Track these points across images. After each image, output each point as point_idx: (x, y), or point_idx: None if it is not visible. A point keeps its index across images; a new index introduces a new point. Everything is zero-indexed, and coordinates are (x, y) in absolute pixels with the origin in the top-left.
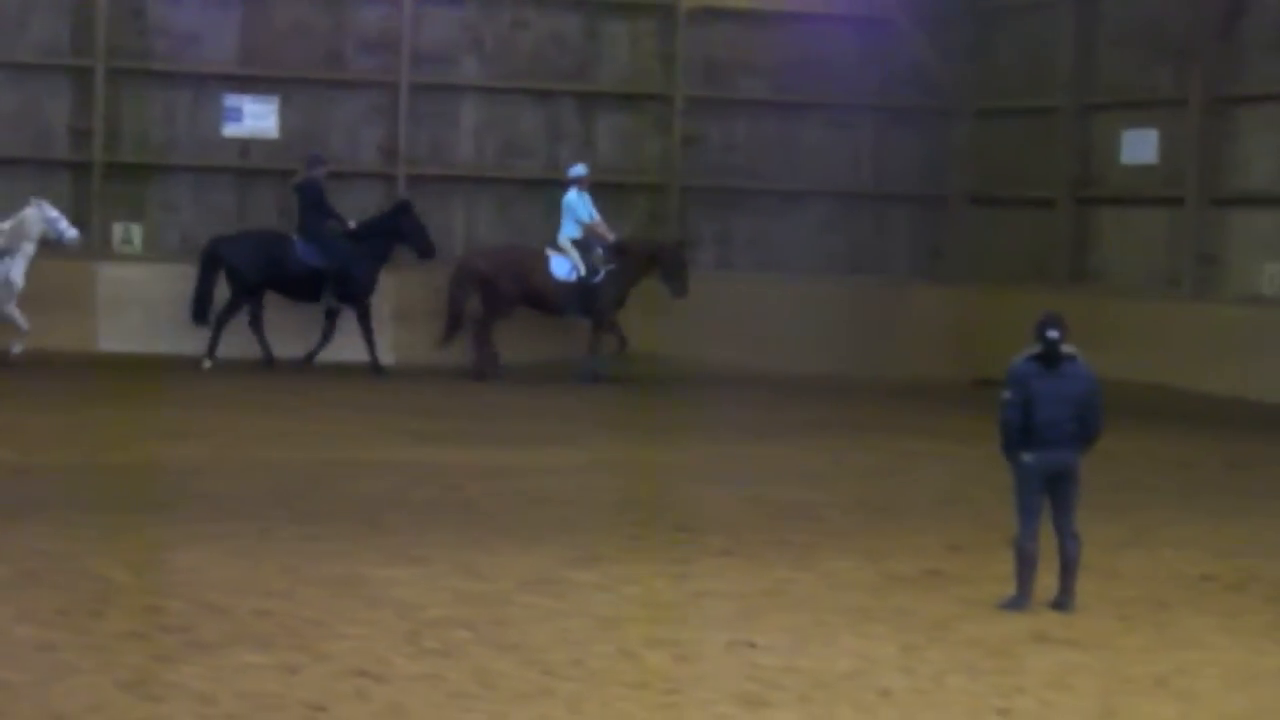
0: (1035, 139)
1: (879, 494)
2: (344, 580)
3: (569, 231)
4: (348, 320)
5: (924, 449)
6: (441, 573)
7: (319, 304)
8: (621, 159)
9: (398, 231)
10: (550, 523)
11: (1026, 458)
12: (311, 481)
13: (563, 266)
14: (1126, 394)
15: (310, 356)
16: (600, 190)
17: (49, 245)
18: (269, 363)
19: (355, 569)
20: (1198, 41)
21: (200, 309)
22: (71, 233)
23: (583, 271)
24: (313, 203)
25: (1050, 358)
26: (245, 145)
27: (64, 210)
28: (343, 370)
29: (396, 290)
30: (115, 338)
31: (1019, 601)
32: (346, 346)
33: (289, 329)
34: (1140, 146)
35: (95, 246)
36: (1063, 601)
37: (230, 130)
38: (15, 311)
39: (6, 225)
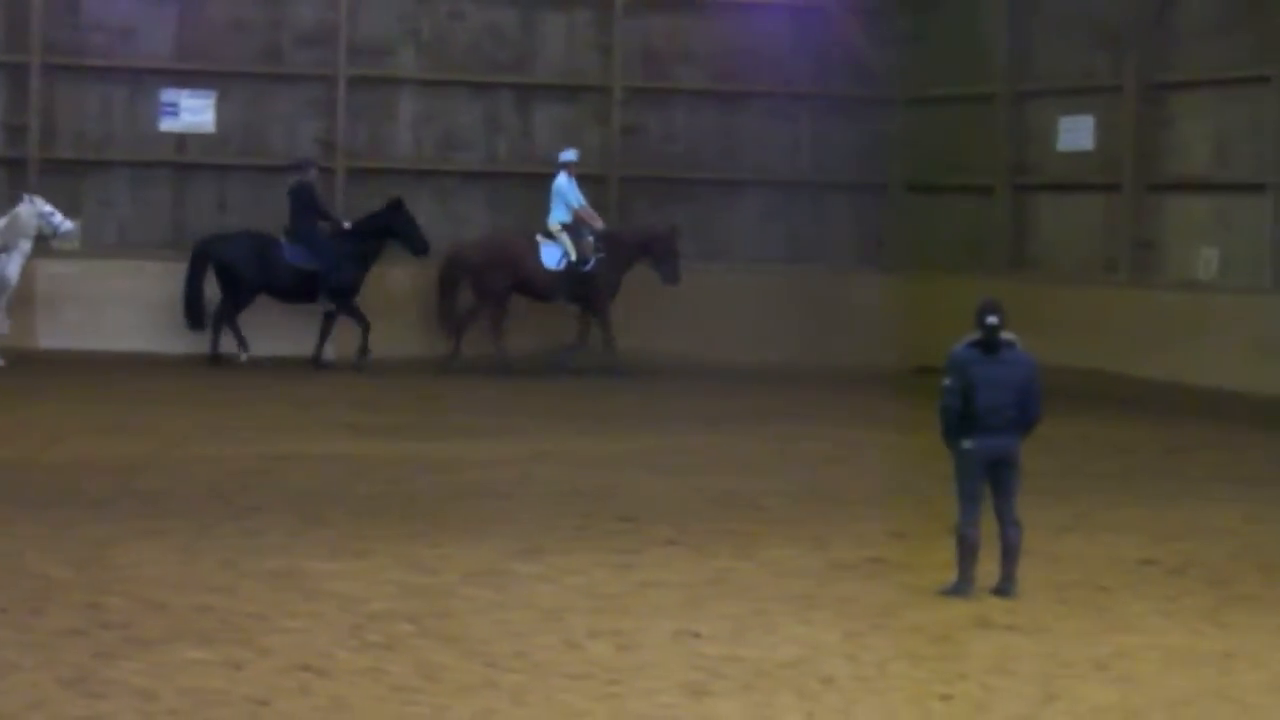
0: (972, 126)
1: (822, 482)
2: (285, 575)
3: (559, 216)
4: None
5: (866, 437)
6: (384, 566)
7: (311, 305)
8: (561, 151)
9: (390, 229)
10: (493, 515)
11: (967, 444)
12: (252, 476)
13: (553, 254)
14: (1065, 379)
15: (318, 359)
16: (539, 182)
17: (44, 239)
18: (215, 359)
19: (296, 563)
20: (1133, 28)
21: (193, 312)
22: (67, 225)
23: (573, 258)
24: (304, 205)
25: (990, 344)
26: (182, 140)
27: None
28: (283, 364)
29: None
30: (54, 334)
31: (961, 588)
32: (286, 341)
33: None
34: (1077, 133)
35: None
36: (1004, 587)
37: (167, 125)
38: (1, 312)
39: (1, 223)
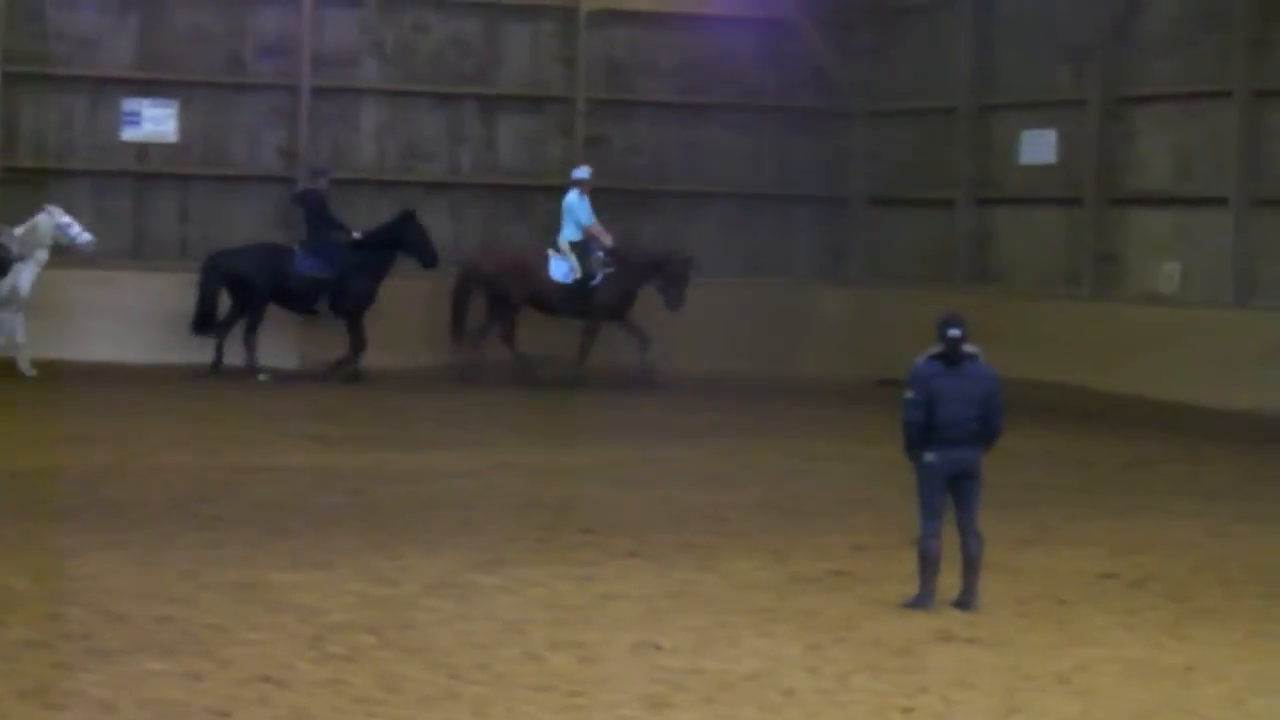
0: (934, 140)
1: (783, 495)
2: (246, 586)
3: (569, 234)
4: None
5: (828, 450)
6: (345, 577)
7: (316, 314)
8: (524, 162)
9: (400, 241)
10: (455, 526)
11: (929, 457)
12: (213, 487)
13: (561, 268)
14: (1027, 393)
15: (347, 369)
16: (502, 193)
17: (61, 250)
18: (217, 368)
19: (257, 574)
20: (1095, 42)
21: (203, 322)
22: (85, 237)
23: (579, 274)
24: (316, 213)
25: (952, 357)
26: (144, 149)
27: None
28: (240, 375)
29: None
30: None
31: (922, 600)
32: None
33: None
34: (1039, 147)
35: None
36: (965, 600)
37: (129, 134)
38: (18, 322)
39: (19, 232)
